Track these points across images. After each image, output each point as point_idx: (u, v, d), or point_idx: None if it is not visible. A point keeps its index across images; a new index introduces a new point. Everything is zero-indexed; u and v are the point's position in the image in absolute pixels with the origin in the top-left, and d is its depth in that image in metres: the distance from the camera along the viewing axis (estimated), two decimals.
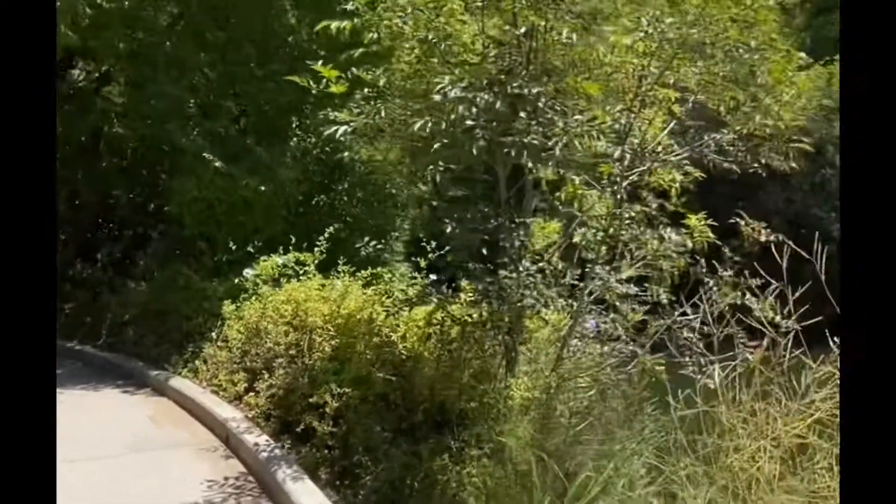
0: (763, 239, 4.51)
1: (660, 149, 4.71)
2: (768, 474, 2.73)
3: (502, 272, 4.44)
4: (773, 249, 3.51)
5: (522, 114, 3.87)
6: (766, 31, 4.21)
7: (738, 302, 4.40)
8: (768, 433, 2.76)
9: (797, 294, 3.17)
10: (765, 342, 3.12)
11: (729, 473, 2.83)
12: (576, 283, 5.58)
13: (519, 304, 4.54)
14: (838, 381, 2.65)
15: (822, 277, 2.93)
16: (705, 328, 3.79)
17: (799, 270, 3.19)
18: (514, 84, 3.86)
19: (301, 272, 6.93)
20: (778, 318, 3.31)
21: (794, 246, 3.36)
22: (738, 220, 4.73)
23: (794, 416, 2.75)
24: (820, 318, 3.15)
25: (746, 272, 4.52)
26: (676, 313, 4.92)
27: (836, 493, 2.57)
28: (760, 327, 3.14)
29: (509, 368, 5.39)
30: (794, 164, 4.84)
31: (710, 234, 5.12)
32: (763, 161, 4.74)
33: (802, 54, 4.65)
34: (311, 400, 5.38)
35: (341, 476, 5.14)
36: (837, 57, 16.41)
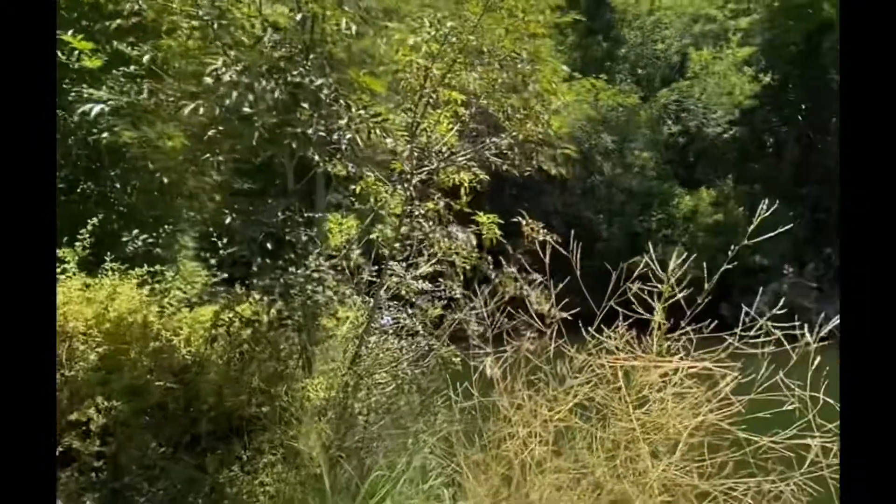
0: (541, 238, 4.88)
1: (445, 149, 4.86)
2: (539, 457, 2.93)
3: (291, 269, 4.24)
4: (540, 247, 3.77)
5: (304, 104, 3.71)
6: (537, 45, 4.54)
7: (518, 294, 4.73)
8: (538, 418, 2.96)
9: (559, 288, 3.44)
10: (529, 333, 3.34)
11: (505, 459, 2.99)
12: (374, 279, 5.57)
13: (310, 302, 4.38)
14: (594, 368, 2.93)
15: (578, 273, 3.20)
16: (489, 320, 3.98)
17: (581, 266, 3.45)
18: (295, 72, 3.68)
19: (59, 270, 6.00)
20: (550, 309, 3.56)
21: (556, 244, 3.65)
22: (521, 219, 5.06)
23: (558, 402, 2.97)
24: (577, 309, 3.46)
25: (530, 268, 4.86)
26: (468, 307, 5.14)
27: (594, 468, 2.84)
28: (529, 320, 3.36)
29: (306, 369, 5.21)
30: (562, 171, 5.31)
31: (497, 232, 5.42)
32: (537, 166, 5.13)
33: (566, 67, 5.11)
34: (71, 417, 4.69)
35: (111, 501, 4.60)
36: (603, 75, 18.67)
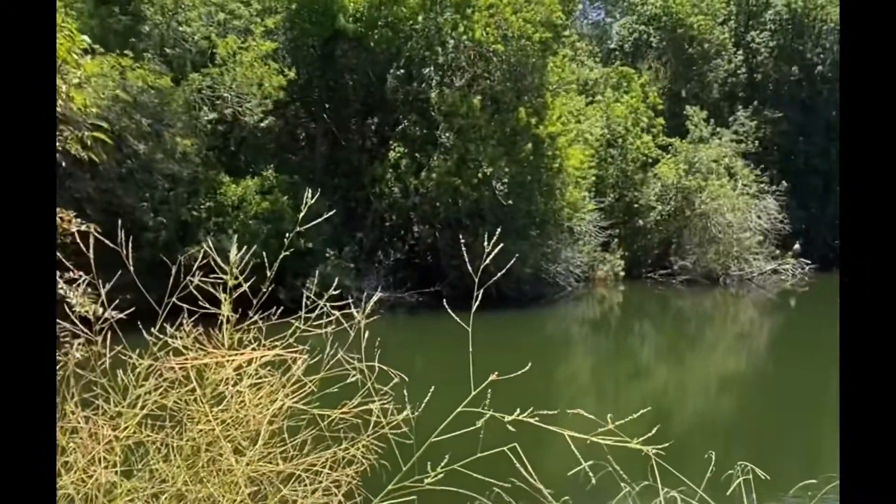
0: (74, 229, 4.25)
1: None
2: (106, 485, 2.57)
3: None
4: (81, 239, 3.31)
5: None
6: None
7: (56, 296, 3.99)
8: (100, 441, 2.59)
9: (111, 283, 3.07)
10: (76, 343, 2.90)
11: (63, 496, 2.52)
12: None
13: None
14: (162, 373, 2.71)
15: (131, 267, 2.94)
16: None
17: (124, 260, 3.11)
18: None
19: None
20: (100, 310, 3.14)
21: (98, 235, 3.27)
22: None
23: (124, 417, 2.66)
24: (133, 308, 3.16)
25: (66, 263, 4.17)
26: None
27: (175, 479, 2.65)
28: (73, 327, 2.89)
29: None
30: (93, 154, 4.75)
31: None
32: (61, 147, 4.45)
33: (87, 38, 4.54)
34: None
35: None
36: (129, 52, 16.92)
